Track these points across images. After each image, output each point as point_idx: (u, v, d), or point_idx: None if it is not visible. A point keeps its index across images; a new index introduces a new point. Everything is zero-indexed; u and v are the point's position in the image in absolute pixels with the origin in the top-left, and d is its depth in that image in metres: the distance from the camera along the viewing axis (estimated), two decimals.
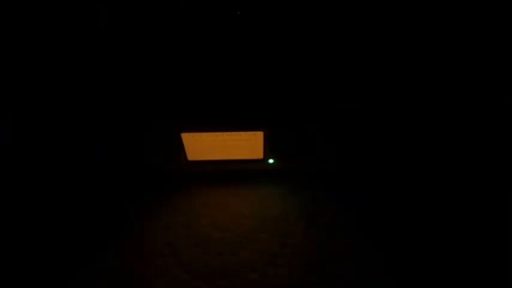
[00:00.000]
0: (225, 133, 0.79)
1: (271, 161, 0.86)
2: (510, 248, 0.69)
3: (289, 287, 0.65)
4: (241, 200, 0.83)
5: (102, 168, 0.87)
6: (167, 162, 0.85)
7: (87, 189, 0.83)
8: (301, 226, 0.76)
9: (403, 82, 0.85)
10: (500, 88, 0.80)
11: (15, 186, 0.80)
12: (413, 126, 0.85)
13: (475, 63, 0.82)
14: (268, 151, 0.83)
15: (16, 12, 0.76)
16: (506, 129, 0.81)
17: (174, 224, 0.77)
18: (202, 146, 0.81)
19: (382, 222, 0.76)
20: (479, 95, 0.82)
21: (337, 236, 0.74)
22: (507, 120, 0.81)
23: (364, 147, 0.87)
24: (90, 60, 0.82)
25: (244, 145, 0.81)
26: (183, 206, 0.82)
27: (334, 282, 0.65)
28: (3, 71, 0.78)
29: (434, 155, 0.87)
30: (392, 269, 0.67)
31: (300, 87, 0.87)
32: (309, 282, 0.65)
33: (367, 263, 0.68)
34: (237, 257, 0.70)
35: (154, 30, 0.82)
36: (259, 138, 0.80)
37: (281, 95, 0.85)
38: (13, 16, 0.76)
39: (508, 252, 0.69)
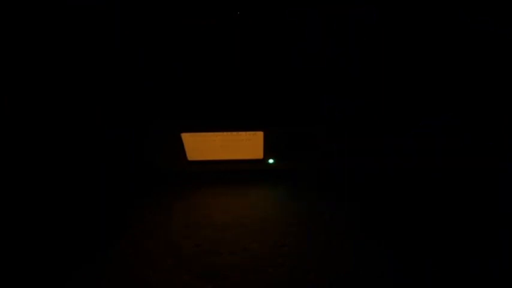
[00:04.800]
0: (225, 133, 0.79)
1: (271, 161, 0.86)
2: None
3: (289, 287, 0.65)
4: (241, 200, 0.83)
5: (102, 169, 0.87)
6: (167, 162, 0.85)
7: (88, 189, 0.83)
8: (301, 226, 0.76)
9: (401, 84, 0.85)
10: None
11: (16, 187, 0.80)
12: (410, 126, 0.85)
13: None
14: (268, 151, 0.83)
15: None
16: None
17: (174, 224, 0.77)
18: (202, 146, 0.81)
19: (382, 222, 0.76)
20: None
21: (337, 235, 0.74)
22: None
23: (364, 146, 0.87)
24: (94, 60, 0.82)
25: (244, 145, 0.81)
26: (183, 206, 0.82)
27: (334, 282, 0.65)
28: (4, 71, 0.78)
29: (431, 155, 0.87)
30: (392, 268, 0.67)
31: (300, 88, 0.87)
32: (309, 282, 0.65)
33: (367, 263, 0.68)
34: (237, 257, 0.70)
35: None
36: (259, 138, 0.80)
37: (281, 95, 0.86)
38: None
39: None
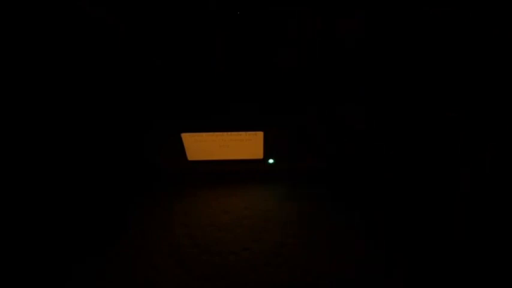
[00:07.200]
0: (225, 133, 0.79)
1: (271, 161, 0.86)
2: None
3: (289, 287, 0.65)
4: (241, 200, 0.83)
5: (102, 169, 0.87)
6: (167, 162, 0.85)
7: (88, 189, 0.83)
8: (301, 226, 0.76)
9: (398, 85, 0.85)
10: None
11: (16, 188, 0.80)
12: (409, 127, 0.85)
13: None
14: (268, 151, 0.83)
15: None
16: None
17: (174, 224, 0.77)
18: (202, 146, 0.81)
19: (382, 222, 0.76)
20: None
21: (337, 235, 0.74)
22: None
23: (364, 147, 0.87)
24: (92, 59, 0.82)
25: (244, 145, 0.81)
26: (183, 206, 0.82)
27: (334, 282, 0.65)
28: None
29: (430, 156, 0.87)
30: (392, 268, 0.67)
31: (300, 88, 0.87)
32: (309, 282, 0.65)
33: (366, 263, 0.68)
34: (237, 257, 0.70)
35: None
36: (259, 138, 0.80)
37: (281, 96, 0.86)
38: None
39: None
